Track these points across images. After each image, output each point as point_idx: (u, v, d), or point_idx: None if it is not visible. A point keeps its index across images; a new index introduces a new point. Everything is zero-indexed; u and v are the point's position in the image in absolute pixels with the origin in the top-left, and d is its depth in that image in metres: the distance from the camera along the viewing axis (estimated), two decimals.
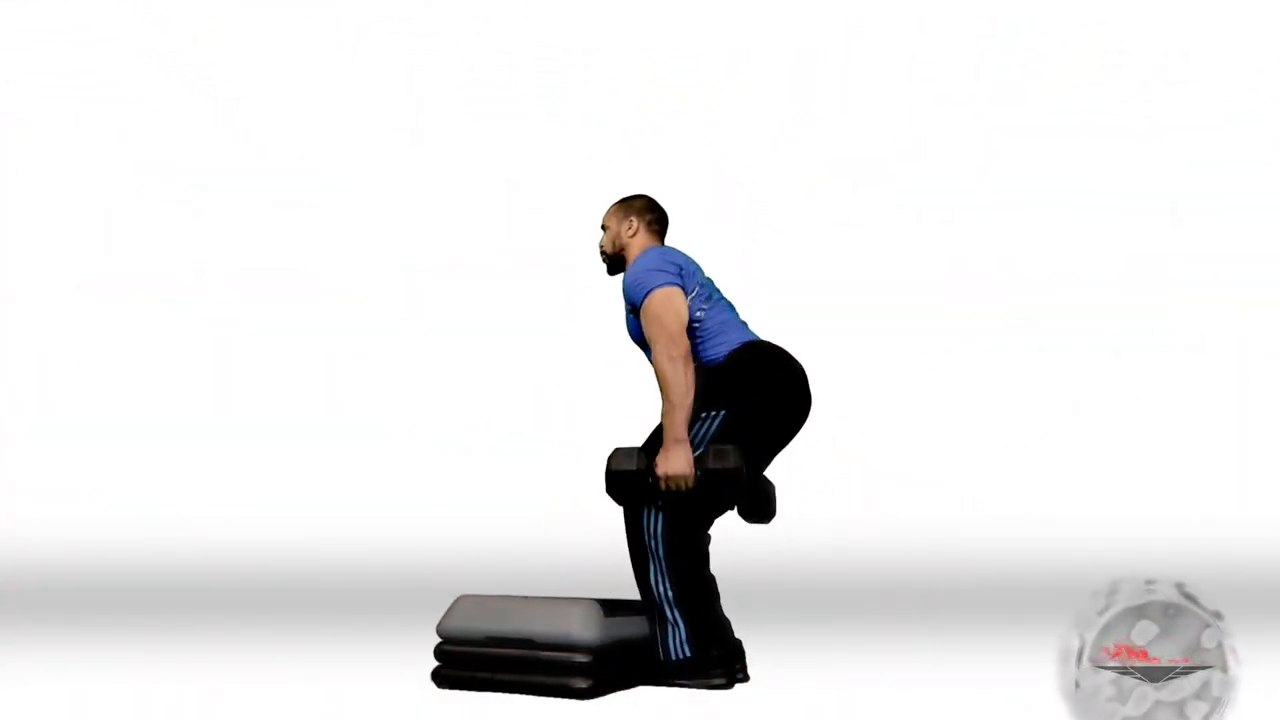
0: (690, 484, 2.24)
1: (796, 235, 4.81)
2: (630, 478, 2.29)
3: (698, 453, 2.29)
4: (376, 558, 4.32)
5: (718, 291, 2.51)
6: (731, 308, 2.50)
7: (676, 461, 2.24)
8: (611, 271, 2.62)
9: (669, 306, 2.33)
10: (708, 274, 2.53)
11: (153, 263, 4.99)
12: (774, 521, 2.55)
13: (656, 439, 2.38)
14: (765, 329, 2.57)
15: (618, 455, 2.32)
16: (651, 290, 2.35)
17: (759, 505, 2.46)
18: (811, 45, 5.01)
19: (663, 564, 2.28)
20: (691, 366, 2.31)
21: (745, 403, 2.33)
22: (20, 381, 4.86)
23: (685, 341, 2.31)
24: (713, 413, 2.33)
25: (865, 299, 4.81)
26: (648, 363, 2.53)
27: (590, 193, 4.54)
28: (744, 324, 2.50)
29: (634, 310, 2.41)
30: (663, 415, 2.29)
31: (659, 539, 2.28)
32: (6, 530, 4.44)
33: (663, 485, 2.26)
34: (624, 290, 2.44)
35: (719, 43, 5.01)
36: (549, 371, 4.67)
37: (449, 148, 5.10)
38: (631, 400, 2.46)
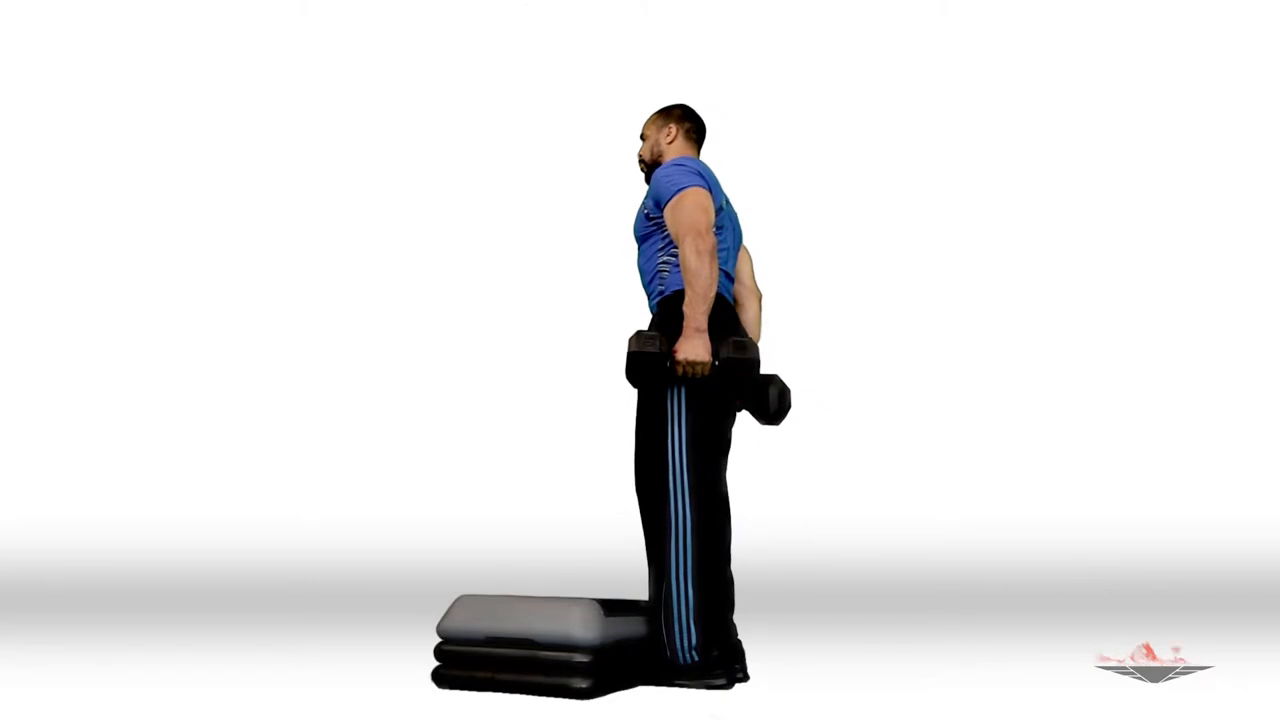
0: (708, 371, 2.28)
1: (794, 235, 4.81)
2: (651, 360, 2.29)
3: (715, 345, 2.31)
4: (376, 557, 4.32)
5: (732, 223, 2.55)
6: (729, 252, 2.52)
7: (696, 348, 2.27)
8: (650, 180, 2.61)
9: (699, 203, 2.36)
10: (727, 196, 2.55)
11: (152, 263, 5.00)
12: (785, 419, 2.51)
13: (639, 441, 2.40)
14: (768, 325, 2.56)
15: (639, 337, 2.32)
16: (685, 187, 2.38)
17: (772, 403, 2.44)
18: (811, 45, 5.01)
19: (688, 562, 2.27)
20: (716, 261, 2.33)
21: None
22: (19, 382, 4.86)
23: (713, 238, 2.34)
24: (672, 389, 2.33)
25: (865, 299, 4.81)
26: (637, 259, 2.56)
27: (591, 191, 4.56)
28: (730, 277, 2.52)
29: (656, 206, 2.44)
30: (685, 304, 2.31)
31: (682, 466, 2.29)
32: (7, 531, 4.44)
33: (680, 370, 2.29)
34: (652, 185, 2.47)
35: (717, 43, 5.01)
36: (549, 371, 4.67)
37: (448, 147, 5.10)
38: (631, 401, 2.46)
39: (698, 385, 2.31)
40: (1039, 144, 4.90)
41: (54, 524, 4.48)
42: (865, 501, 4.45)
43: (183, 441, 4.78)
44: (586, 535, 3.81)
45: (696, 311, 2.29)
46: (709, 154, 2.69)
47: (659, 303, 2.46)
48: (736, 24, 5.05)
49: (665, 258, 2.46)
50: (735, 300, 2.57)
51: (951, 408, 4.70)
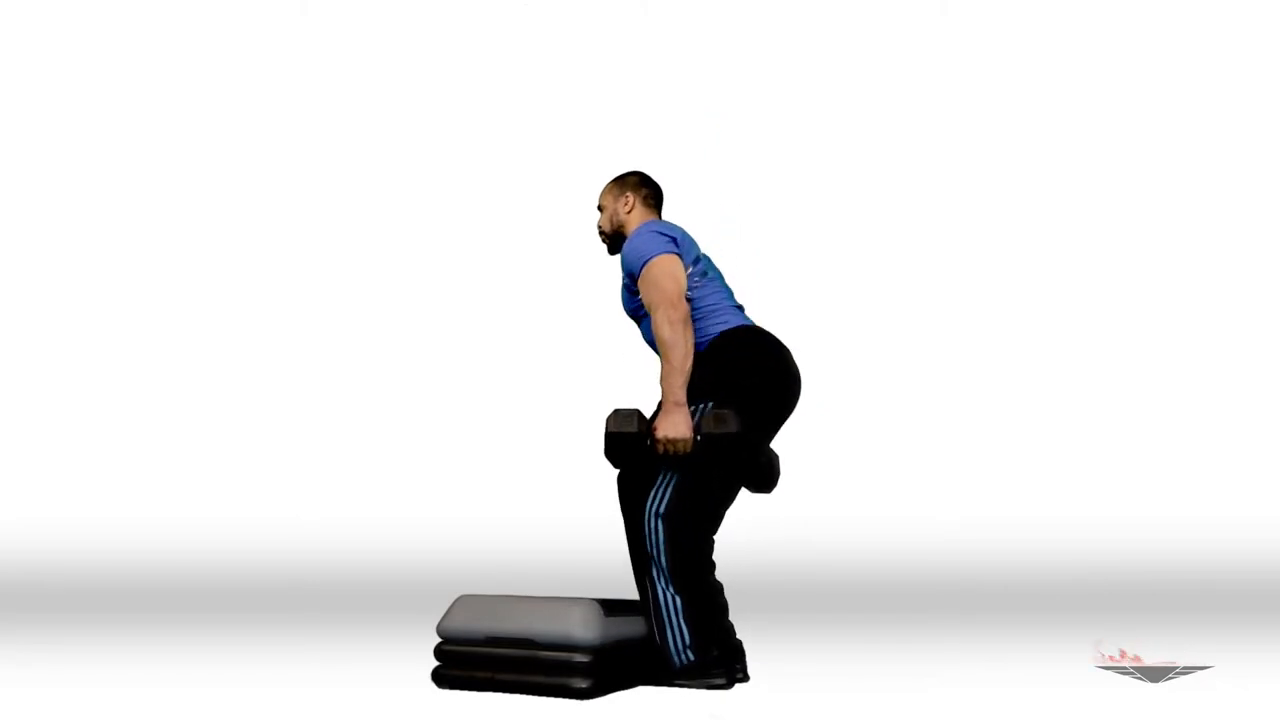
0: (689, 448, 2.24)
1: (794, 235, 4.81)
2: (628, 440, 2.26)
3: (696, 419, 2.28)
4: (376, 557, 4.32)
5: (713, 268, 2.50)
6: (726, 289, 2.49)
7: (676, 425, 2.24)
8: (612, 251, 2.61)
9: (667, 272, 2.33)
10: (704, 250, 2.52)
11: (152, 263, 5.00)
12: (777, 490, 2.50)
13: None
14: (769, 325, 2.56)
15: (616, 417, 2.29)
16: (651, 257, 2.35)
17: (760, 474, 2.42)
18: (811, 45, 5.02)
19: (665, 571, 2.27)
20: (691, 330, 2.30)
21: (731, 392, 2.31)
22: (19, 382, 4.86)
23: (685, 306, 2.31)
24: (698, 406, 2.32)
25: (865, 299, 4.81)
26: (641, 337, 2.53)
27: (591, 191, 4.55)
28: (738, 307, 2.48)
29: (632, 280, 2.41)
30: (662, 378, 2.28)
31: (661, 548, 2.27)
32: (7, 531, 4.44)
33: (661, 449, 2.25)
34: (622, 261, 2.44)
35: (717, 43, 5.01)
36: (550, 371, 4.67)
37: (448, 147, 5.10)
38: (632, 401, 2.46)
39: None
40: (1039, 144, 4.90)
41: (54, 524, 4.47)
42: (865, 501, 4.45)
43: (183, 441, 4.78)
44: (586, 535, 3.81)
45: (674, 385, 2.25)
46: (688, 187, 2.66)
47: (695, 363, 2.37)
48: (736, 24, 5.05)
49: None
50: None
51: (951, 408, 4.70)
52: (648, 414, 2.38)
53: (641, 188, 2.60)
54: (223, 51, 5.09)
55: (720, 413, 2.24)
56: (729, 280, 2.55)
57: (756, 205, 4.82)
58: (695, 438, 2.24)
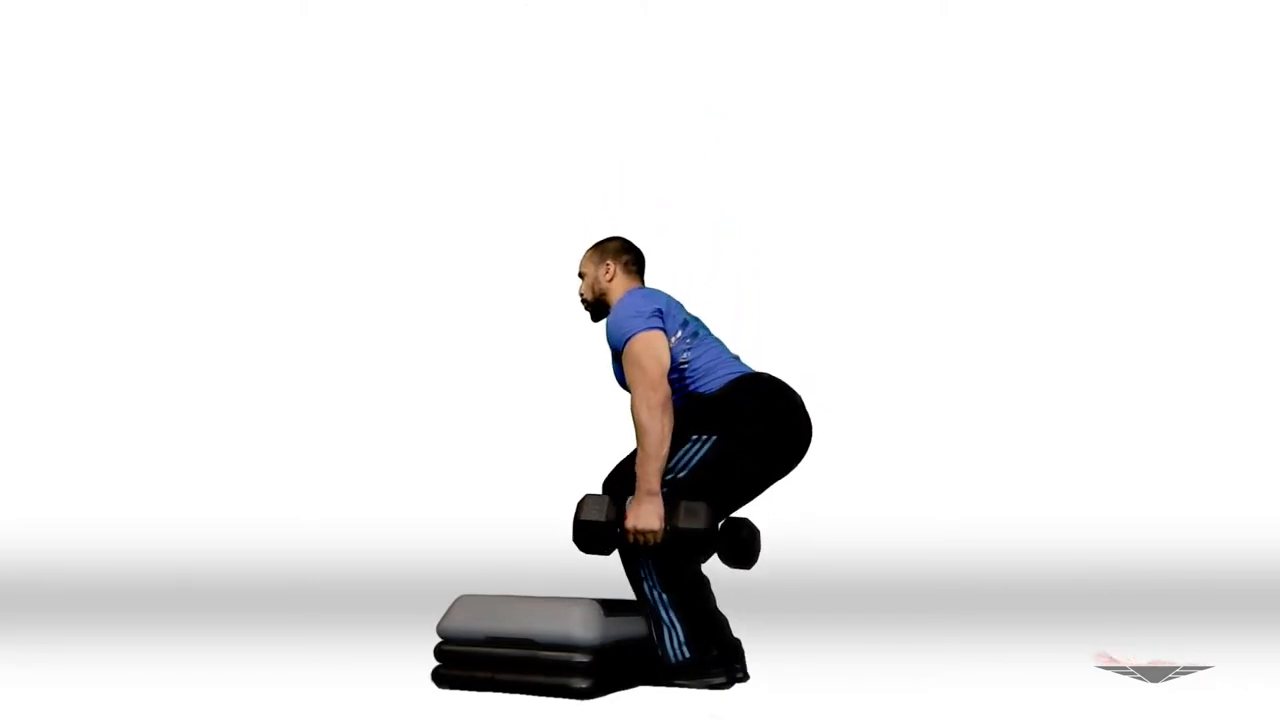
0: (659, 539, 2.20)
1: (794, 235, 4.81)
2: (599, 529, 2.25)
3: (671, 504, 2.22)
4: (377, 557, 4.32)
5: (704, 328, 2.46)
6: (720, 344, 2.45)
7: (647, 516, 2.20)
8: (595, 317, 2.55)
9: (649, 351, 2.29)
10: (693, 311, 2.48)
11: (152, 263, 5.00)
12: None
13: (628, 472, 2.36)
14: (768, 326, 2.56)
15: (587, 504, 2.27)
16: (633, 335, 2.30)
17: (738, 552, 2.37)
18: (811, 45, 5.01)
19: (652, 572, 2.27)
20: (670, 415, 2.25)
21: (738, 429, 2.29)
22: (20, 382, 4.86)
23: (665, 388, 2.27)
24: (703, 436, 2.30)
25: (865, 300, 4.81)
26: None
27: (591, 191, 4.55)
28: (735, 358, 2.44)
29: (616, 356, 2.38)
30: (637, 465, 2.25)
31: (649, 564, 2.28)
32: (7, 531, 4.44)
33: (630, 539, 2.23)
34: (607, 336, 2.40)
35: (717, 43, 5.01)
36: (549, 371, 4.67)
37: (448, 147, 5.10)
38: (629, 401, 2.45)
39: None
40: (1039, 144, 4.90)
41: (54, 524, 4.47)
42: (865, 501, 4.45)
43: (183, 441, 4.78)
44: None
45: (648, 472, 2.21)
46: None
47: (697, 400, 2.35)
48: (736, 24, 5.05)
49: (676, 383, 2.33)
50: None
51: (951, 408, 4.70)
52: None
53: (622, 254, 2.54)
54: (223, 51, 5.09)
55: (692, 506, 2.21)
56: (721, 342, 2.49)
57: (756, 205, 4.82)
58: (665, 529, 2.20)
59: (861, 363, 4.58)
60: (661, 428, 2.23)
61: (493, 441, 4.64)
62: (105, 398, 4.83)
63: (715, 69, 4.97)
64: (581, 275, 2.57)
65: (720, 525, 2.32)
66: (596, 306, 2.54)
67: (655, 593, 2.27)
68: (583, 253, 2.57)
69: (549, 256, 4.79)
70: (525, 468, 4.46)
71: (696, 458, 2.29)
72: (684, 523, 2.19)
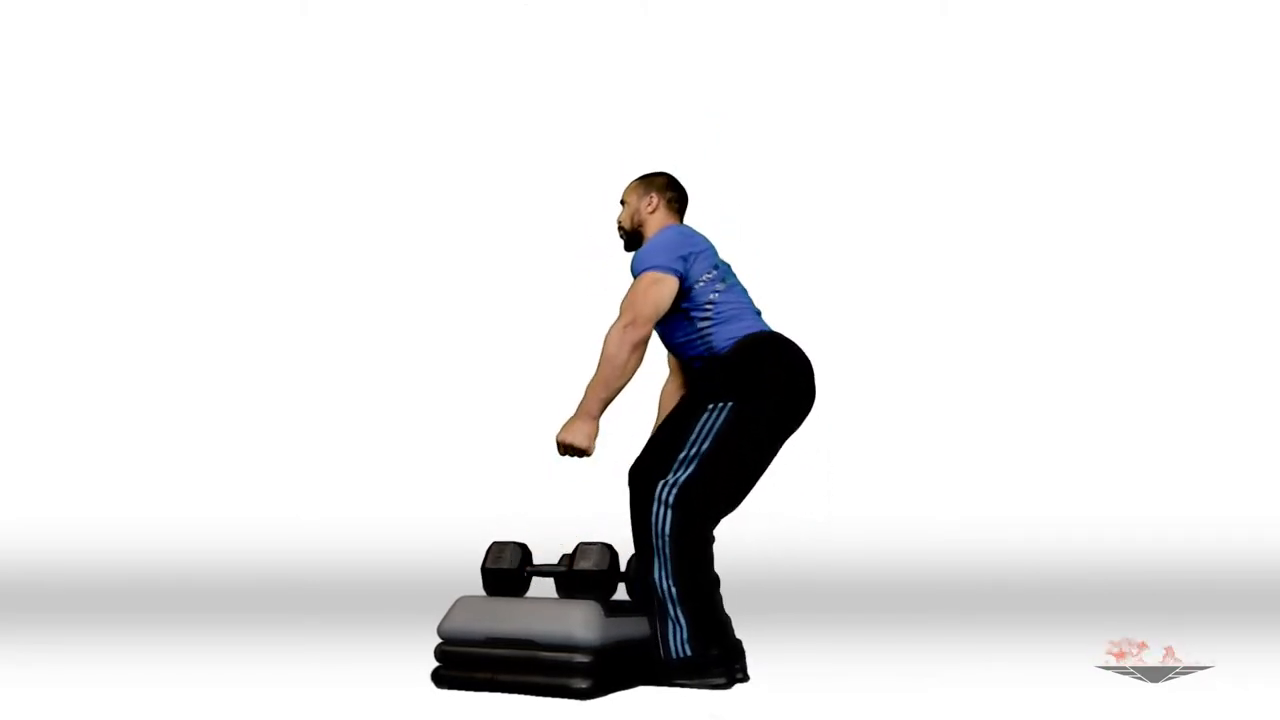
0: (589, 456, 2.29)
1: (793, 235, 4.81)
2: (504, 576, 2.37)
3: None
4: (377, 557, 4.32)
5: (733, 275, 2.49)
6: (745, 295, 2.48)
7: (577, 433, 2.27)
8: (629, 247, 2.58)
9: (654, 290, 2.32)
10: (724, 257, 2.51)
11: (152, 263, 5.00)
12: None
13: (655, 440, 2.39)
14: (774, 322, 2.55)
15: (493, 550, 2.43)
16: (649, 269, 2.34)
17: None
18: (811, 45, 5.02)
19: (668, 561, 2.26)
20: (639, 358, 2.29)
21: (752, 395, 2.31)
22: (20, 382, 4.86)
23: (648, 331, 2.30)
24: (720, 404, 2.31)
25: (865, 300, 4.81)
26: (660, 337, 2.49)
27: (590, 190, 4.55)
28: (757, 312, 2.48)
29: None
30: (588, 385, 2.28)
31: (666, 536, 2.27)
32: (7, 531, 4.44)
33: (560, 452, 2.30)
34: (631, 264, 2.43)
35: (717, 43, 5.01)
36: (549, 371, 4.66)
37: (448, 147, 5.10)
38: (633, 401, 2.46)
39: (744, 408, 2.28)
40: (1039, 144, 4.90)
41: (54, 524, 4.47)
42: (865, 501, 4.45)
43: (183, 441, 4.78)
44: (586, 536, 3.80)
45: (593, 395, 2.26)
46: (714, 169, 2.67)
47: (710, 361, 2.38)
48: (736, 24, 5.05)
49: (699, 320, 2.38)
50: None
51: (951, 408, 4.70)
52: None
53: (668, 190, 2.58)
54: (223, 51, 5.09)
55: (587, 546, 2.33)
56: (747, 292, 2.53)
57: (756, 205, 4.82)
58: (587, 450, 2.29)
59: (861, 363, 4.57)
60: (626, 364, 2.27)
61: (493, 441, 4.64)
62: (105, 398, 4.83)
63: (715, 69, 4.97)
64: (623, 203, 2.61)
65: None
66: (632, 237, 2.57)
67: (666, 584, 2.26)
68: (628, 182, 2.61)
69: (547, 257, 4.80)
70: (525, 468, 4.46)
71: (717, 425, 2.29)
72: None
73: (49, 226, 4.99)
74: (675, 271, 2.35)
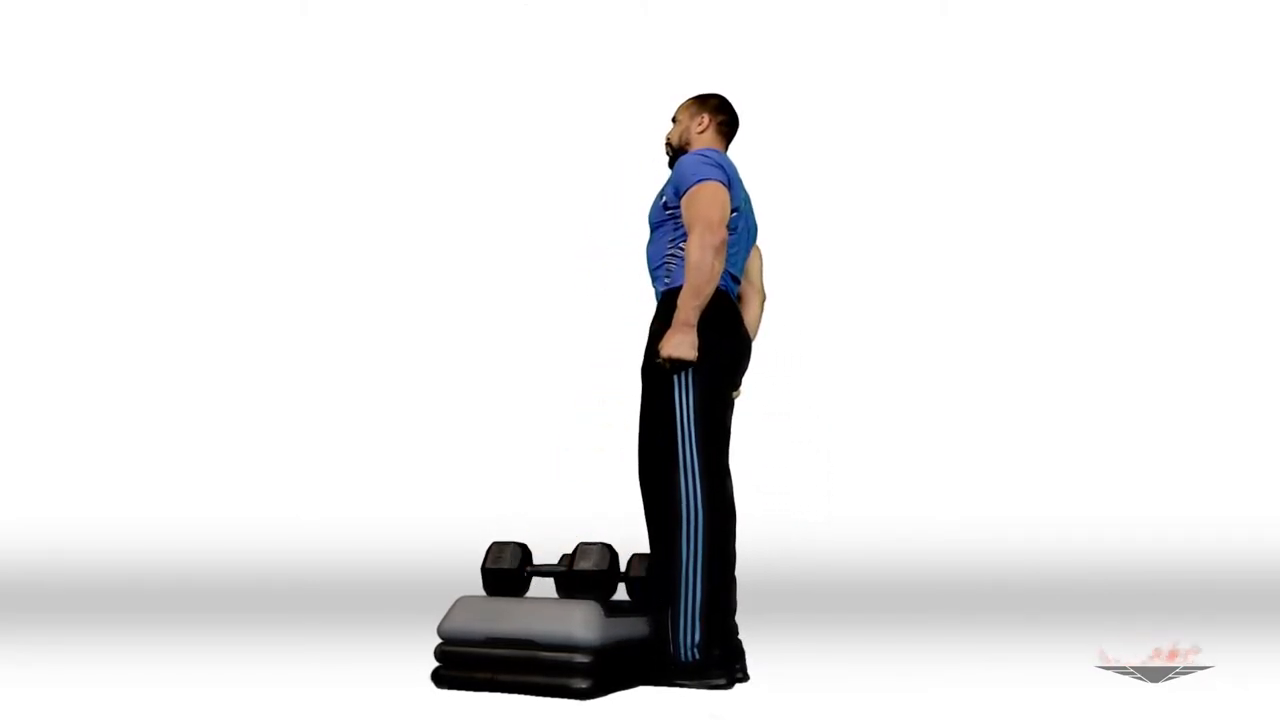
0: (689, 367, 2.28)
1: (794, 235, 4.81)
2: (506, 575, 2.38)
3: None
4: (377, 557, 4.32)
5: (746, 220, 2.50)
6: (742, 254, 2.50)
7: (680, 345, 2.25)
8: (673, 165, 2.57)
9: (716, 198, 2.33)
10: (748, 194, 2.53)
11: (152, 263, 5.00)
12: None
13: (645, 437, 2.39)
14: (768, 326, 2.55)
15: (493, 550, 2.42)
16: (704, 179, 2.35)
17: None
18: (811, 45, 5.01)
19: (700, 550, 2.25)
20: (723, 258, 2.31)
21: (709, 362, 2.32)
22: (20, 382, 4.86)
23: (724, 233, 2.32)
24: (683, 378, 2.32)
25: (865, 299, 4.81)
26: (646, 246, 2.52)
27: (590, 190, 4.55)
28: (734, 279, 2.48)
29: (677, 193, 2.40)
30: (680, 296, 2.29)
31: (699, 508, 2.26)
32: (7, 531, 4.44)
33: (666, 366, 2.28)
34: (675, 172, 2.44)
35: (717, 43, 5.01)
36: (550, 371, 4.66)
37: (448, 147, 5.10)
38: (631, 402, 2.46)
39: (702, 376, 2.30)
40: (1039, 144, 4.90)
41: (54, 524, 4.47)
42: (865, 501, 4.45)
43: (182, 441, 4.78)
44: (586, 536, 3.81)
45: (688, 306, 2.27)
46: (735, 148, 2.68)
47: (664, 294, 2.44)
48: (736, 24, 5.05)
49: (674, 249, 2.42)
50: (739, 298, 2.55)
51: (951, 408, 4.70)
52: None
53: (720, 113, 2.63)
54: (222, 51, 5.09)
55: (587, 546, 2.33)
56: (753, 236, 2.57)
57: (756, 205, 4.81)
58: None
59: (861, 363, 4.58)
60: (713, 267, 2.28)
61: (493, 442, 4.64)
62: (105, 398, 4.83)
63: (715, 69, 4.96)
64: (675, 120, 2.64)
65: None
66: (679, 155, 2.57)
67: (690, 586, 2.25)
68: (681, 102, 2.65)
69: (547, 257, 4.80)
70: (525, 468, 4.46)
71: (692, 400, 2.32)
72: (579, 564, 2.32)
73: (49, 226, 4.98)
74: (723, 179, 2.38)
